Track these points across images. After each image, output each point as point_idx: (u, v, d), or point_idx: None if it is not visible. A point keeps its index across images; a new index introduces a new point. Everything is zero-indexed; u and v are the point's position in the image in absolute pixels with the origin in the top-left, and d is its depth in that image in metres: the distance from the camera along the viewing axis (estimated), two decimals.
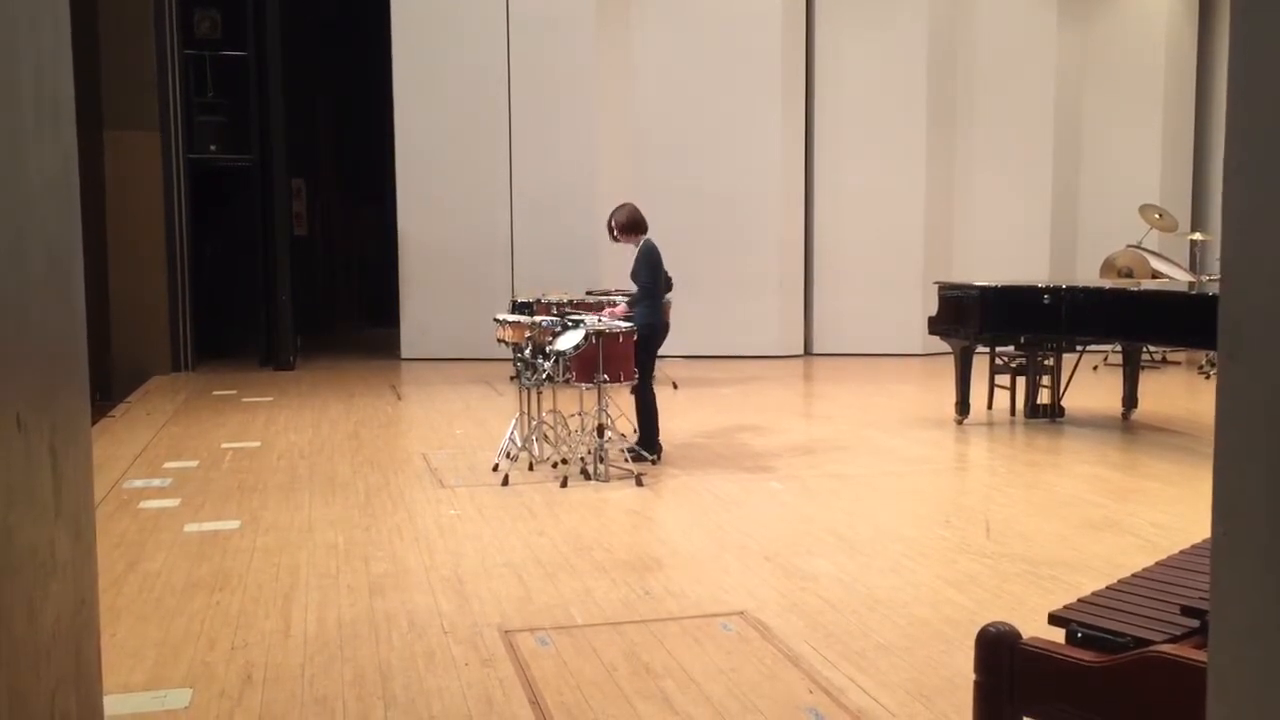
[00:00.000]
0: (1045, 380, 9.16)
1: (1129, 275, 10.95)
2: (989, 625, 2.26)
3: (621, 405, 7.95)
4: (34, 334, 2.01)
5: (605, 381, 6.98)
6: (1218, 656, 1.27)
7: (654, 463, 7.44)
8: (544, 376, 7.21)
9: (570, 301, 10.18)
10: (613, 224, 7.53)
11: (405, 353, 13.33)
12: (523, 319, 7.64)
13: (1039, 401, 9.16)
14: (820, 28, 13.57)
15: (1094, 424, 9.06)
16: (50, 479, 2.08)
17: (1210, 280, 11.56)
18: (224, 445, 8.31)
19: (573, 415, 7.58)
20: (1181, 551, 2.72)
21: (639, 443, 7.50)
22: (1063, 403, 9.20)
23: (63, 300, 2.22)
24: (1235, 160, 1.25)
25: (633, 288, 7.67)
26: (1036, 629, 2.35)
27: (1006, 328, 8.79)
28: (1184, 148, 14.43)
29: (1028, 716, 2.22)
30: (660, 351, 8.04)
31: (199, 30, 13.35)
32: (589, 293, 11.12)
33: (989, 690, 2.22)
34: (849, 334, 13.70)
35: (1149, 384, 10.37)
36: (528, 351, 7.29)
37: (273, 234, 12.89)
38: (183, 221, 12.59)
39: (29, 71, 1.97)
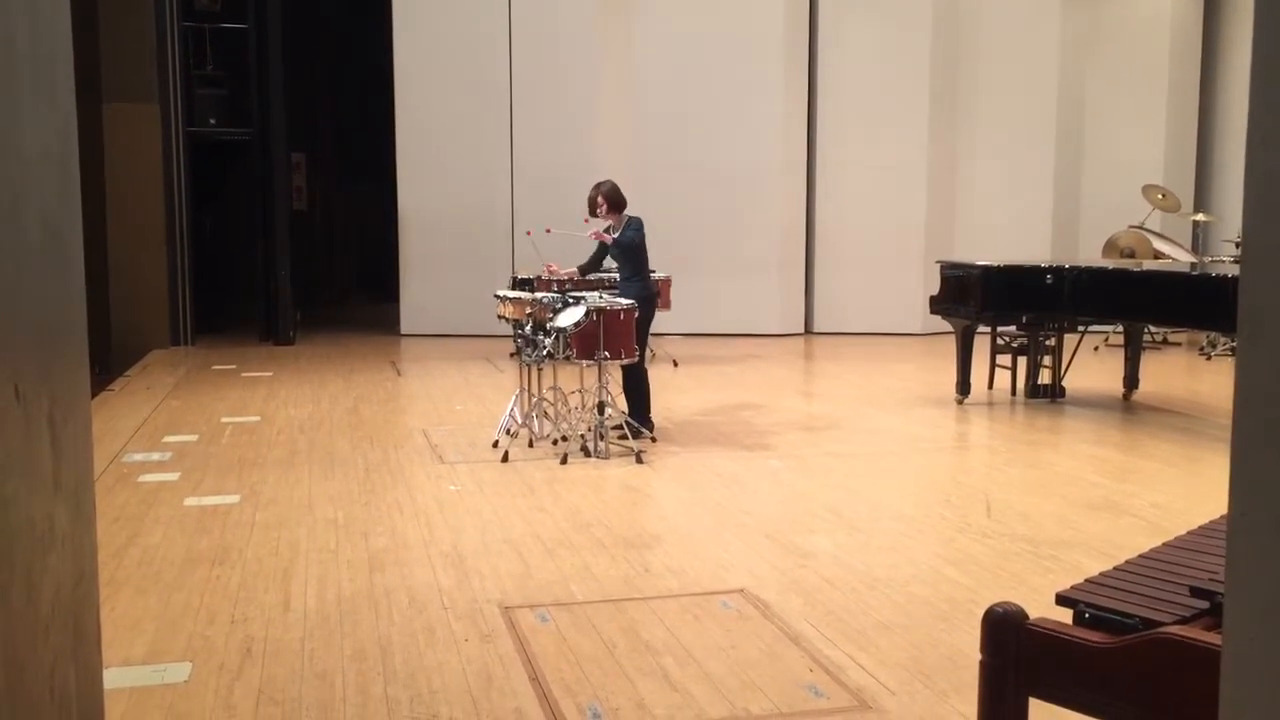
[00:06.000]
0: (1046, 360, 9.13)
1: (1131, 255, 10.93)
2: (996, 605, 2.24)
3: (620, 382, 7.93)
4: (32, 304, 1.99)
5: (606, 358, 6.96)
6: (1232, 638, 1.26)
7: (654, 440, 7.42)
8: (544, 353, 7.19)
9: (570, 279, 10.12)
10: (598, 198, 7.52)
11: (405, 328, 13.29)
12: (523, 295, 7.61)
13: (1040, 381, 9.14)
14: (824, 5, 13.47)
15: (1095, 404, 9.05)
16: (49, 451, 2.06)
17: (1213, 261, 11.52)
18: (223, 420, 8.29)
19: (573, 392, 7.57)
20: (1190, 532, 2.70)
21: (633, 417, 7.42)
22: (1064, 383, 9.17)
23: (61, 270, 2.19)
24: (1258, 135, 1.22)
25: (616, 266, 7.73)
26: (1037, 608, 2.33)
27: (1008, 307, 8.75)
28: (1188, 128, 14.35)
29: (1034, 697, 2.21)
30: (660, 329, 8.02)
31: (199, 2, 13.24)
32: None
33: (995, 670, 2.21)
34: (850, 313, 13.66)
35: (1150, 365, 10.35)
36: (528, 328, 7.27)
37: (272, 208, 12.83)
38: (182, 195, 12.53)
39: (25, 35, 1.93)
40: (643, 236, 7.52)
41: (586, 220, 7.67)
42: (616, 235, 7.56)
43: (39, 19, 2.04)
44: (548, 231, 8.12)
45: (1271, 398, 1.20)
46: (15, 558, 1.85)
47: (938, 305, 9.14)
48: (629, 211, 7.65)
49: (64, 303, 2.23)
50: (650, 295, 7.64)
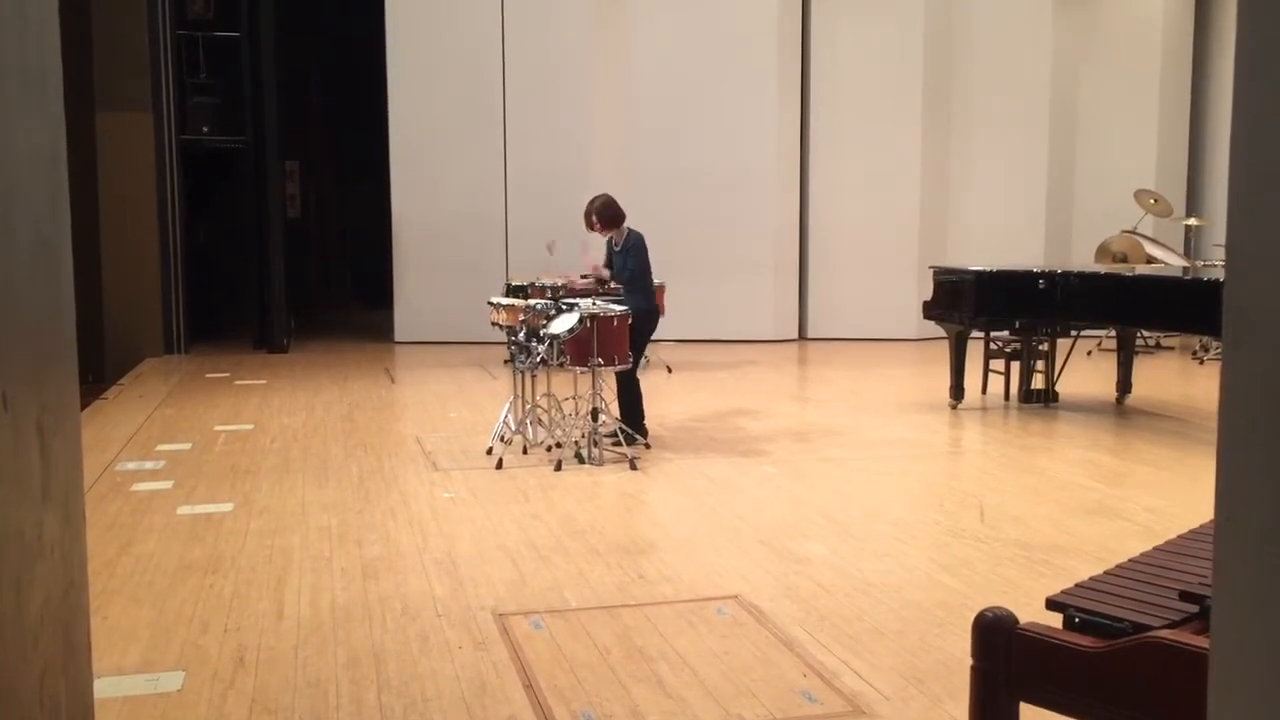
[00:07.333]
0: (1040, 365, 9.15)
1: (1124, 260, 10.94)
2: (986, 610, 2.24)
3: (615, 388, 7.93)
4: (20, 311, 1.98)
5: (599, 365, 6.96)
6: (1220, 641, 1.26)
7: (648, 446, 7.42)
8: (538, 360, 7.19)
9: (564, 285, 10.12)
10: (592, 215, 7.49)
11: (399, 336, 13.28)
12: (517, 302, 7.61)
13: (1033, 386, 9.15)
14: (816, 11, 13.50)
15: (1088, 409, 9.06)
16: (38, 460, 2.05)
17: (1205, 265, 11.55)
18: (217, 428, 8.28)
19: (567, 399, 7.56)
20: (1179, 536, 2.71)
21: (627, 423, 7.40)
22: (1057, 387, 9.19)
23: (50, 277, 2.19)
24: (1241, 137, 1.22)
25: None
26: (1030, 613, 2.33)
27: (1001, 312, 8.77)
28: (1180, 132, 14.39)
29: (1025, 702, 2.21)
30: (654, 335, 8.02)
31: (192, 10, 13.25)
32: (583, 276, 11.07)
33: (986, 675, 2.21)
34: (844, 318, 13.67)
35: (1143, 369, 10.37)
36: (522, 335, 7.27)
37: (266, 216, 12.83)
38: (175, 203, 12.52)
39: (13, 40, 1.93)
40: (643, 252, 7.50)
41: (587, 232, 7.63)
42: (617, 249, 7.55)
43: (29, 28, 2.04)
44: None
45: (1258, 401, 1.20)
46: (3, 566, 1.85)
47: (931, 310, 9.16)
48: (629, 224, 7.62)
49: (54, 311, 2.23)
50: (652, 308, 7.62)
